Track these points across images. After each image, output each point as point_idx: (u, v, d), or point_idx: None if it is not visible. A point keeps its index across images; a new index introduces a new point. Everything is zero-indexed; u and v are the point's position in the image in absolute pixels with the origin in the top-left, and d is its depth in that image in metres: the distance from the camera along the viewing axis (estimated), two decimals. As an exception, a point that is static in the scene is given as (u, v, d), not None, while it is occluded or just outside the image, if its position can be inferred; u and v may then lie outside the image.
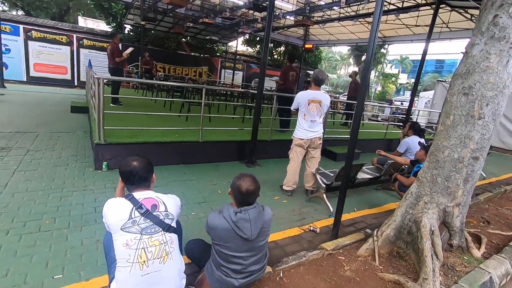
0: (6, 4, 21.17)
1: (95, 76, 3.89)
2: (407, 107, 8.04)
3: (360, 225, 3.34)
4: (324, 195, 3.62)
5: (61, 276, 2.01)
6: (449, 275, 2.40)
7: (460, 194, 2.41)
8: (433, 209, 2.46)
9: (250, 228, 1.71)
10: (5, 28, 11.34)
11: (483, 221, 3.72)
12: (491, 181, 5.94)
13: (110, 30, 16.10)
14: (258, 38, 18.95)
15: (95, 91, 3.97)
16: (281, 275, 2.24)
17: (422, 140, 4.54)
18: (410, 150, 4.45)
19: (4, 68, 10.53)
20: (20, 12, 21.15)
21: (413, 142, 4.45)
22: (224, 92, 9.99)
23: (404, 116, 7.98)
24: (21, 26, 12.05)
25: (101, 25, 19.48)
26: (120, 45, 7.75)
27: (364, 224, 3.39)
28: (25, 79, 12.34)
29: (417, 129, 4.62)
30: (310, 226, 3.10)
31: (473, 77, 2.25)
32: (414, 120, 10.07)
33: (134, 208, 1.61)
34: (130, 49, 7.23)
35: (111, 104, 6.95)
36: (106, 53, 7.25)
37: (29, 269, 2.03)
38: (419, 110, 9.87)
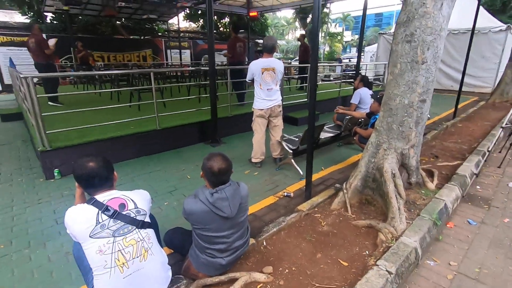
0: None
1: (21, 76, 3.40)
2: (355, 63, 8.35)
3: (329, 182, 3.52)
4: (293, 160, 3.71)
5: (33, 298, 1.85)
6: (412, 210, 2.66)
7: (413, 136, 2.62)
8: (392, 154, 2.65)
9: (229, 206, 1.70)
10: None
11: (433, 157, 4.14)
12: (434, 120, 6.56)
13: (28, 21, 14.04)
14: (200, 12, 17.91)
15: (25, 93, 3.49)
16: (265, 244, 2.30)
17: (371, 92, 4.82)
18: (363, 101, 4.71)
19: None
20: None
21: (364, 93, 4.71)
22: (174, 73, 9.47)
23: (354, 72, 8.30)
24: None
25: (16, 17, 16.89)
26: (43, 36, 6.82)
27: (333, 180, 3.57)
28: None
29: (366, 81, 4.89)
30: (284, 192, 3.19)
31: (413, 24, 2.36)
32: (362, 74, 10.56)
33: (100, 211, 1.49)
34: (53, 40, 6.39)
35: (49, 103, 6.30)
36: (27, 48, 6.26)
37: (-7, 300, 1.84)
38: (366, 65, 10.33)
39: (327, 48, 32.73)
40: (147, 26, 16.67)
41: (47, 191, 3.27)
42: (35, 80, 4.10)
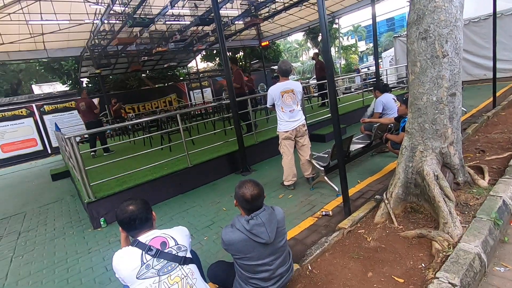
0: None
1: (65, 137, 3.77)
2: (374, 71, 8.23)
3: (369, 194, 3.35)
4: (326, 177, 3.61)
5: None
6: (466, 212, 2.42)
7: (450, 133, 2.46)
8: (430, 155, 2.49)
9: (266, 232, 1.67)
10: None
11: (478, 152, 3.81)
12: (472, 113, 6.13)
13: (67, 89, 15.79)
14: (214, 51, 19.03)
15: (70, 151, 3.84)
16: (310, 268, 2.20)
17: (393, 96, 4.66)
18: (387, 107, 4.55)
19: (-29, 160, 10.10)
20: (-29, 100, 20.43)
21: (386, 99, 4.56)
22: (199, 112, 9.92)
23: (375, 79, 8.16)
24: (-24, 113, 11.63)
25: (57, 87, 19.10)
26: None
27: (372, 191, 3.40)
28: (-4, 164, 11.87)
29: (381, 87, 4.77)
30: (322, 211, 3.08)
31: (425, 20, 2.32)
32: (385, 80, 10.33)
33: (144, 252, 1.54)
34: (96, 100, 7.67)
35: (104, 154, 7.23)
36: (71, 112, 7.41)
37: None
38: (386, 70, 10.12)
39: (343, 62, 32.69)
40: (169, 73, 17.96)
41: (95, 240, 3.45)
42: (78, 139, 4.56)
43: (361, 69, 20.54)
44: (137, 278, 1.48)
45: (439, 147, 2.49)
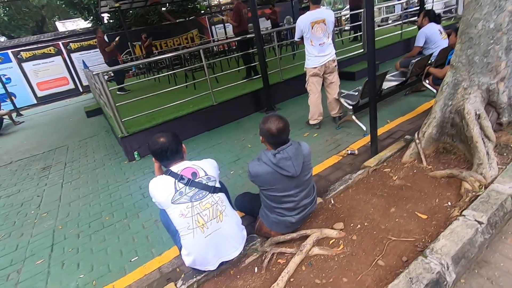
0: (-14, 35, 20.97)
1: (94, 73, 3.83)
2: (419, -3, 7.17)
3: (398, 134, 3.24)
4: (353, 117, 3.49)
5: (137, 257, 2.21)
6: (505, 154, 2.29)
7: (503, 67, 2.17)
8: (474, 92, 2.26)
9: (292, 165, 1.70)
10: (-4, 59, 11.37)
11: (531, 91, 3.42)
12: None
13: (89, 25, 15.52)
14: (237, -21, 17.27)
15: (100, 88, 3.94)
16: (332, 202, 2.28)
17: (440, 27, 4.10)
18: (430, 40, 4.05)
19: (13, 98, 10.79)
20: (2, 38, 20.91)
21: (430, 30, 4.03)
22: (222, 48, 9.52)
23: (418, 7, 7.16)
24: (9, 51, 11.96)
25: (80, 23, 18.82)
26: (105, 36, 7.80)
27: (402, 132, 3.28)
28: (35, 102, 12.62)
29: (432, 15, 4.16)
30: (348, 150, 3.06)
31: None
32: (429, 8, 9.05)
33: (176, 180, 1.64)
34: (117, 38, 7.57)
35: (117, 93, 7.32)
36: (96, 50, 7.47)
37: (108, 260, 2.25)
38: (433, -4, 8.77)
39: (381, -12, 28.71)
40: (189, 6, 16.87)
41: (131, 171, 3.75)
42: (106, 77, 4.65)
43: (403, -4, 17.99)
44: (172, 202, 1.61)
45: (487, 83, 2.24)
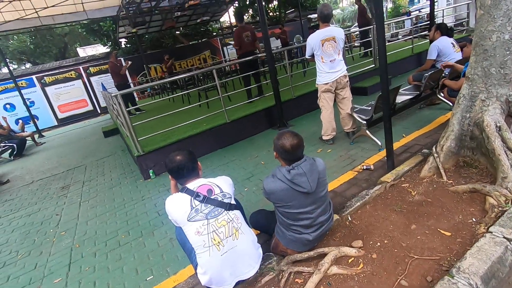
0: (14, 62, 22.36)
1: (112, 95, 3.99)
2: (428, 12, 7.21)
3: (415, 149, 3.17)
4: (368, 131, 3.46)
5: (152, 277, 2.19)
6: (530, 167, 2.19)
7: (521, 78, 2.13)
8: (493, 104, 2.21)
9: (308, 181, 1.68)
10: (22, 84, 12.04)
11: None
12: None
13: (108, 50, 16.35)
14: (247, 2, 17.96)
15: (117, 109, 4.08)
16: (350, 219, 2.22)
17: (453, 40, 4.08)
18: (443, 53, 4.02)
19: (36, 121, 11.31)
20: (28, 65, 22.25)
21: (443, 43, 4.01)
22: (234, 67, 9.77)
23: (428, 22, 7.18)
24: (33, 77, 12.68)
25: (99, 49, 19.85)
26: (121, 59, 8.22)
27: (418, 146, 3.21)
28: (56, 123, 13.18)
29: (444, 29, 4.14)
30: (363, 165, 3.01)
31: None
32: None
33: (192, 198, 1.66)
34: (128, 63, 8.15)
35: (136, 113, 7.68)
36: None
37: (124, 279, 2.24)
38: (442, 10, 8.81)
39: (390, 5, 29.08)
40: (202, 29, 17.56)
41: (147, 189, 3.80)
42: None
43: (412, 11, 18.15)
44: (188, 220, 1.61)
45: (506, 95, 2.19)
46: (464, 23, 9.55)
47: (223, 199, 1.69)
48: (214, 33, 18.29)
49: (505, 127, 2.16)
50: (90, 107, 13.79)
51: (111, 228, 3.06)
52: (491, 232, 1.64)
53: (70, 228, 3.26)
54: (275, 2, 18.72)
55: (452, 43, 4.04)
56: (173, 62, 11.51)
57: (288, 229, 1.84)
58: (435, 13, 7.21)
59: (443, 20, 8.62)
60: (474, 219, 1.92)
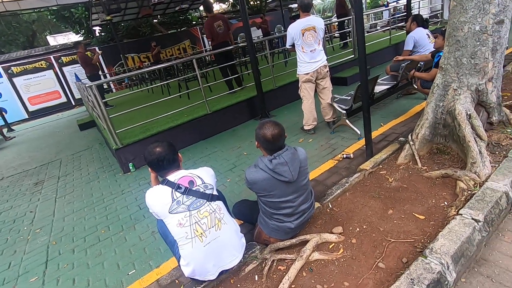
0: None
1: (87, 86, 3.81)
2: (405, 3, 7.37)
3: (392, 137, 3.27)
4: (347, 121, 3.53)
5: (134, 271, 2.16)
6: (497, 152, 2.33)
7: (490, 67, 2.23)
8: (464, 93, 2.31)
9: (289, 170, 1.70)
10: (-15, 74, 11.27)
11: (518, 90, 3.51)
12: (515, 48, 5.51)
13: (81, 38, 15.54)
14: (227, -10, 17.60)
15: (93, 100, 3.92)
16: (330, 206, 2.28)
17: (428, 31, 4.20)
18: (419, 44, 4.14)
19: (4, 114, 10.65)
20: (-8, 54, 20.76)
21: (419, 34, 4.12)
22: (214, 57, 9.56)
23: (405, 13, 7.35)
24: (-1, 67, 11.90)
25: (71, 37, 18.83)
26: (96, 49, 7.82)
27: (395, 134, 3.32)
28: (27, 116, 12.49)
29: (420, 20, 4.26)
30: (343, 154, 3.07)
31: None
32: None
33: (173, 190, 1.63)
34: (99, 52, 8.07)
35: None
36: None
37: (105, 274, 2.20)
38: (418, 2, 9.03)
39: (368, -4, 29.40)
40: (181, 17, 17.03)
41: (127, 183, 3.71)
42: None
43: (390, 3, 18.48)
44: (169, 212, 1.59)
45: (476, 84, 2.29)
46: (438, 14, 9.84)
47: (205, 190, 1.68)
48: (194, 22, 17.81)
49: (475, 115, 2.27)
50: (63, 99, 13.15)
51: (89, 223, 2.97)
52: (461, 214, 1.74)
53: (45, 225, 3.14)
54: (256, -9, 18.44)
55: (428, 34, 4.16)
56: (160, 50, 11.16)
57: (270, 218, 1.87)
58: (412, 4, 7.37)
59: (419, 11, 8.86)
60: (446, 203, 2.03)
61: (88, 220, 3.05)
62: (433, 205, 2.04)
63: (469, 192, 1.98)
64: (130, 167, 4.00)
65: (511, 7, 2.12)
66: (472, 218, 1.69)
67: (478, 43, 2.18)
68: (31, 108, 12.58)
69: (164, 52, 14.40)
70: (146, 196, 1.67)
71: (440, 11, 9.52)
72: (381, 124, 3.65)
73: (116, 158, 4.22)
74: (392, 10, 12.05)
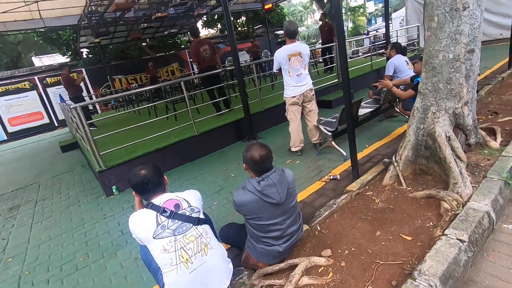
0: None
1: (71, 107, 3.75)
2: (384, 33, 7.83)
3: (377, 158, 3.35)
4: (333, 143, 3.60)
5: (114, 301, 2.03)
6: (476, 173, 2.41)
7: (465, 92, 2.37)
8: (443, 116, 2.43)
9: (277, 192, 1.69)
10: (-35, 94, 10.93)
11: (491, 114, 3.71)
12: (486, 74, 5.89)
13: (68, 60, 15.49)
14: (216, 17, 18.22)
15: (77, 121, 3.84)
16: (319, 228, 2.26)
17: (406, 58, 4.46)
18: (399, 70, 4.37)
19: (-19, 134, 10.25)
20: (-27, 74, 20.26)
21: (398, 61, 4.37)
22: (200, 80, 9.70)
23: (384, 41, 7.79)
24: (-21, 87, 11.58)
25: (57, 58, 18.74)
26: (82, 70, 7.78)
27: (380, 156, 3.39)
28: (6, 138, 12.05)
29: (398, 48, 4.54)
30: (330, 176, 3.10)
31: (445, -32, 2.13)
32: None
33: (158, 214, 1.58)
34: (83, 75, 8.19)
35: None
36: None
37: (82, 306, 2.05)
38: (397, 31, 9.62)
39: (350, 24, 31.18)
40: (169, 41, 17.37)
41: (109, 207, 3.57)
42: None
43: (370, 31, 19.61)
44: (153, 237, 1.53)
45: (453, 108, 2.42)
46: (415, 43, 10.46)
47: (191, 214, 1.63)
48: (183, 46, 18.17)
49: (453, 137, 2.37)
50: (46, 120, 12.83)
51: (67, 251, 2.81)
52: (446, 235, 1.76)
53: (19, 254, 2.94)
54: (243, 18, 19.19)
55: (406, 61, 4.41)
56: (157, 70, 11.30)
57: (258, 242, 1.83)
58: (390, 33, 7.83)
59: (397, 39, 9.41)
60: (431, 223, 2.05)
61: (66, 247, 2.88)
62: (419, 226, 2.06)
63: (452, 212, 2.02)
64: (114, 190, 3.88)
65: (480, 38, 2.30)
66: (457, 238, 1.71)
67: (452, 69, 2.33)
68: (11, 129, 12.18)
69: (147, 76, 14.56)
70: (130, 220, 1.61)
71: (417, 40, 10.13)
72: (366, 145, 3.74)
73: (99, 181, 4.08)
74: (372, 38, 12.77)
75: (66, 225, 3.34)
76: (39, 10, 9.50)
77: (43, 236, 3.20)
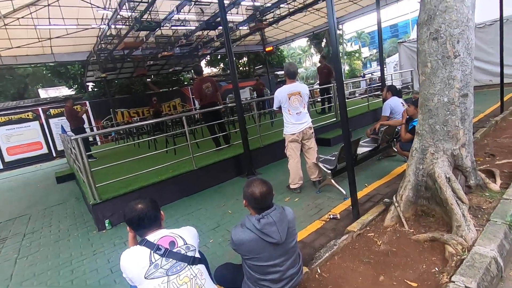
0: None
1: (72, 138, 3.77)
2: (379, 76, 8.21)
3: (377, 198, 3.30)
4: (333, 181, 3.57)
5: None
6: (479, 215, 2.37)
7: (462, 135, 2.41)
8: (441, 157, 2.44)
9: (277, 231, 1.64)
10: (-33, 123, 11.04)
11: (488, 156, 3.75)
12: (480, 118, 6.06)
13: (73, 93, 15.94)
14: (219, 57, 19.19)
15: (76, 153, 3.84)
16: (319, 271, 2.15)
17: (402, 100, 4.63)
18: (395, 111, 4.51)
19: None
20: (-21, 103, 20.66)
21: (394, 102, 4.54)
22: (201, 116, 9.91)
23: (380, 84, 8.14)
24: (-17, 116, 11.74)
25: (63, 91, 19.29)
26: (86, 103, 7.99)
27: (380, 195, 3.35)
28: (1, 167, 11.93)
29: (394, 90, 4.75)
30: (330, 215, 3.03)
31: (436, 20, 2.30)
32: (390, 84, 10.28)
33: (152, 251, 1.51)
34: (86, 108, 8.10)
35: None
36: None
37: None
38: (391, 75, 10.09)
39: (347, 67, 32.78)
40: (173, 78, 18.08)
41: (100, 242, 3.42)
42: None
43: (366, 74, 20.56)
44: (145, 277, 1.45)
45: (451, 149, 2.45)
46: (409, 86, 10.91)
47: (186, 252, 1.56)
48: (186, 83, 18.87)
49: (454, 178, 2.37)
50: (44, 150, 12.82)
51: (51, 289, 2.63)
52: (454, 282, 1.68)
53: (-2, 292, 2.75)
54: (245, 58, 20.21)
55: (402, 103, 4.57)
56: (161, 105, 11.66)
57: (256, 285, 1.72)
58: (385, 76, 8.22)
59: (392, 82, 9.83)
60: (436, 268, 1.96)
61: (50, 286, 2.70)
62: (424, 271, 1.97)
63: (458, 257, 1.94)
64: (106, 224, 3.74)
65: (472, 83, 2.41)
66: (465, 286, 1.62)
67: (448, 112, 2.40)
68: (8, 158, 12.11)
69: (150, 110, 14.95)
70: (121, 258, 1.53)
71: (411, 83, 10.59)
72: (366, 184, 3.71)
73: (92, 214, 3.96)
74: (368, 80, 13.34)
75: (53, 261, 3.17)
76: (51, 46, 10.01)
77: (26, 273, 3.02)
